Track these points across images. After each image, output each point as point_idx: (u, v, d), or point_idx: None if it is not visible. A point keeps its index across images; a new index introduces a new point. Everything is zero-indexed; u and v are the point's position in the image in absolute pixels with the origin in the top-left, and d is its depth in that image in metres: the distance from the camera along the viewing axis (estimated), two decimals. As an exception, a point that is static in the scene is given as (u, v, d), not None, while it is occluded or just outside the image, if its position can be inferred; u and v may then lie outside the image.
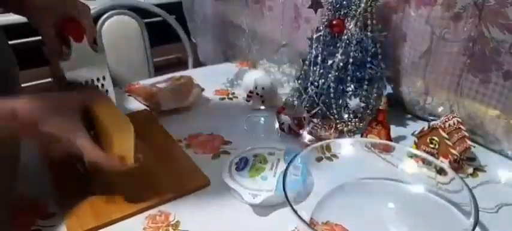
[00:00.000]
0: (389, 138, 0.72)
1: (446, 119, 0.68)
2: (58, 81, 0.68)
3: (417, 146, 0.70)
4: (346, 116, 0.81)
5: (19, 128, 0.53)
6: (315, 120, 0.79)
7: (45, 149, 0.60)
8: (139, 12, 1.57)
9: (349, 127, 0.80)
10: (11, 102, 0.52)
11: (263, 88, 0.89)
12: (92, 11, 1.08)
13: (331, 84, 0.79)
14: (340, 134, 0.79)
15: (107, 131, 0.57)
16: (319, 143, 0.63)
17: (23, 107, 0.52)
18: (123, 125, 0.59)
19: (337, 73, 0.79)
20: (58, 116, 0.54)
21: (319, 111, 0.80)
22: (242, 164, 0.65)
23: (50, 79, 0.74)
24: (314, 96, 0.80)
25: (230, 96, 1.00)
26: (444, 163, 0.60)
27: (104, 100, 0.63)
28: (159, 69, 1.59)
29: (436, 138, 0.67)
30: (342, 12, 0.78)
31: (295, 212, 0.48)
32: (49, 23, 0.61)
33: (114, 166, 0.57)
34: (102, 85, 0.67)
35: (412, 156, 0.62)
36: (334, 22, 0.78)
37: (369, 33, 0.77)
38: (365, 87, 0.79)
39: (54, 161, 0.68)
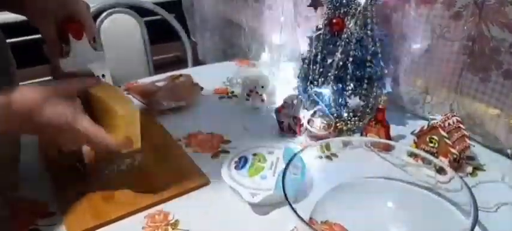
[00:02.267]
0: (388, 137, 0.72)
1: (446, 118, 0.68)
2: (58, 79, 0.68)
3: (417, 145, 0.70)
4: (345, 115, 0.81)
5: (16, 121, 0.51)
6: (314, 119, 0.79)
7: (46, 145, 0.59)
8: (139, 10, 1.56)
9: (349, 126, 0.80)
10: (5, 93, 0.50)
11: (262, 86, 0.89)
12: (91, 9, 1.08)
13: (331, 82, 0.79)
14: (340, 133, 0.79)
15: (112, 113, 0.56)
16: (319, 142, 0.63)
17: (17, 97, 0.51)
18: (128, 106, 0.58)
19: (336, 72, 0.79)
20: (55, 103, 0.53)
21: (319, 110, 0.80)
22: (241, 163, 0.65)
23: (49, 78, 0.73)
24: (314, 94, 0.80)
25: (229, 94, 1.00)
26: (444, 162, 0.60)
27: (105, 85, 0.62)
28: (159, 68, 1.59)
29: (435, 137, 0.67)
30: (342, 11, 0.78)
31: (295, 211, 0.48)
32: (49, 23, 0.61)
33: (121, 148, 0.57)
34: None
35: (412, 155, 0.62)
36: (334, 21, 0.78)
37: (368, 32, 0.77)
38: (365, 85, 0.79)
39: (54, 161, 0.68)
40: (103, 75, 0.66)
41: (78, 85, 0.58)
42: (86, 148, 0.66)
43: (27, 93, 0.52)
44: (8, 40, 0.70)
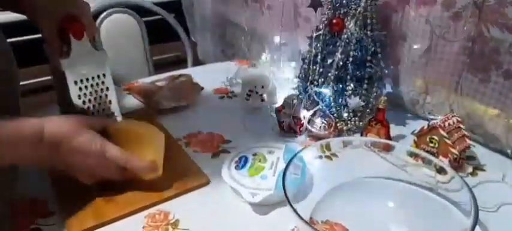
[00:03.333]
0: (389, 137, 0.72)
1: (446, 119, 0.68)
2: (58, 79, 0.68)
3: (417, 145, 0.70)
4: (345, 115, 0.81)
5: (46, 149, 0.53)
6: (314, 119, 0.79)
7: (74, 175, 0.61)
8: (139, 10, 1.56)
9: (349, 126, 0.80)
10: (36, 120, 0.53)
11: (262, 86, 0.89)
12: (91, 9, 1.08)
13: (331, 82, 0.79)
14: (340, 133, 0.79)
15: (138, 138, 0.60)
16: (319, 142, 0.63)
17: (50, 125, 0.53)
18: (154, 130, 0.62)
19: (336, 72, 0.79)
20: (85, 132, 0.56)
21: (319, 110, 0.80)
22: (242, 163, 0.65)
23: (49, 77, 0.73)
24: (314, 94, 0.80)
25: (229, 94, 1.00)
26: (444, 162, 0.60)
27: (123, 121, 0.66)
28: (158, 68, 1.59)
29: (435, 137, 0.67)
30: (342, 11, 0.78)
31: (295, 211, 0.48)
32: (49, 22, 0.61)
33: (149, 172, 0.60)
34: (102, 82, 0.67)
35: (412, 155, 0.62)
36: (334, 21, 0.78)
37: (368, 32, 0.77)
38: (365, 86, 0.79)
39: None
40: (104, 75, 0.66)
41: (101, 122, 0.62)
42: None
43: (61, 120, 0.56)
44: (8, 41, 0.70)
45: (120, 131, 0.62)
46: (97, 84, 0.66)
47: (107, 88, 0.67)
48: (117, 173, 0.59)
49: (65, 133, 0.54)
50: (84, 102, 0.64)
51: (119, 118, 0.69)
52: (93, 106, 0.66)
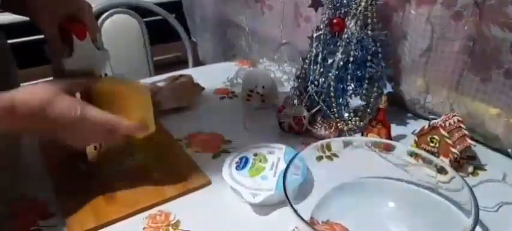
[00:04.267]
0: (389, 137, 0.72)
1: (447, 118, 0.68)
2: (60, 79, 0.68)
3: (417, 145, 0.69)
4: (346, 115, 0.81)
5: (22, 120, 0.51)
6: (315, 119, 0.79)
7: (51, 144, 0.59)
8: (139, 10, 1.56)
9: (350, 126, 0.80)
10: (8, 94, 0.50)
11: (263, 87, 0.89)
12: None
13: (332, 82, 0.79)
14: (341, 133, 0.79)
15: (123, 98, 0.55)
16: (320, 142, 0.63)
17: (21, 98, 0.50)
18: (139, 88, 0.57)
19: (337, 72, 0.78)
20: (64, 98, 0.52)
21: (320, 110, 0.80)
22: (242, 163, 0.65)
23: (50, 79, 0.74)
24: (314, 94, 0.80)
25: (230, 95, 1.00)
26: (444, 162, 0.60)
27: (106, 78, 0.62)
28: (159, 68, 1.59)
29: (436, 137, 0.67)
30: (342, 11, 0.78)
31: (295, 211, 0.48)
32: (51, 22, 0.61)
33: (137, 132, 0.56)
34: None
35: (413, 155, 0.62)
36: (335, 21, 0.78)
37: (369, 32, 0.77)
38: (365, 85, 0.79)
39: (55, 161, 0.68)
40: (106, 74, 0.66)
41: (81, 83, 0.58)
42: (89, 147, 0.66)
43: (33, 90, 0.52)
44: (8, 41, 0.70)
45: (103, 91, 0.59)
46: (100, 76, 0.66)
47: None
48: (106, 137, 0.58)
49: (38, 102, 0.51)
50: None
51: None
52: None
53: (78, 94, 0.59)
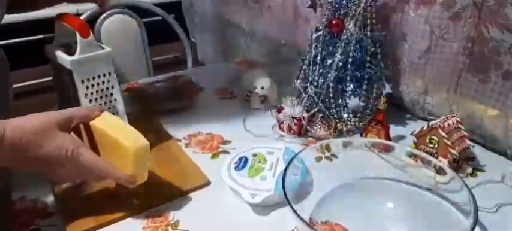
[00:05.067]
0: (388, 138, 0.72)
1: (446, 119, 0.68)
2: (60, 79, 0.68)
3: (416, 145, 0.70)
4: (345, 115, 0.81)
5: (7, 157, 0.47)
6: (314, 120, 0.79)
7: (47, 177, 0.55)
8: (139, 11, 1.56)
9: (349, 126, 0.80)
10: None
11: (262, 87, 0.89)
12: (91, 10, 1.08)
13: (331, 83, 0.79)
14: (340, 133, 0.79)
15: (121, 149, 0.53)
16: (319, 143, 0.63)
17: (11, 129, 0.46)
18: (138, 140, 0.54)
19: (336, 73, 0.79)
20: (54, 136, 0.49)
21: (319, 111, 0.80)
22: (241, 164, 0.65)
23: (47, 79, 0.74)
24: (313, 95, 0.80)
25: (229, 95, 1.00)
26: (443, 163, 0.61)
27: (107, 115, 0.57)
28: (158, 68, 1.59)
29: (435, 138, 0.67)
30: (342, 12, 0.78)
31: (295, 211, 0.48)
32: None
33: (129, 184, 0.55)
34: (108, 80, 0.67)
35: (412, 156, 0.62)
36: (334, 22, 0.78)
37: (368, 33, 0.77)
38: (364, 86, 0.79)
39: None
40: (109, 73, 0.66)
41: (77, 116, 0.54)
42: None
43: (23, 125, 0.48)
44: (8, 42, 0.70)
45: (100, 131, 0.56)
46: (103, 82, 0.66)
47: (113, 86, 0.67)
48: (94, 179, 0.57)
49: (29, 139, 0.47)
50: (90, 101, 0.65)
51: (124, 116, 0.70)
52: (100, 104, 0.66)
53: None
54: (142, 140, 0.54)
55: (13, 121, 0.48)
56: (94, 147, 0.57)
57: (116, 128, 0.55)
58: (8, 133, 0.46)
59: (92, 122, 0.56)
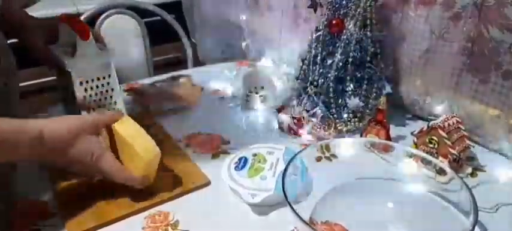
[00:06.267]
0: (388, 138, 0.72)
1: (446, 119, 0.68)
2: (63, 79, 0.68)
3: (416, 145, 0.70)
4: (345, 116, 0.81)
5: (46, 153, 0.53)
6: (314, 120, 0.79)
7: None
8: (139, 11, 1.56)
9: (349, 126, 0.80)
10: (36, 123, 0.52)
11: (262, 87, 0.89)
12: (91, 10, 1.08)
13: (331, 83, 0.79)
14: (340, 133, 0.79)
15: (134, 153, 0.57)
16: (319, 143, 0.63)
17: (50, 129, 0.53)
18: (150, 148, 0.58)
19: (336, 73, 0.79)
20: (84, 140, 0.55)
21: (319, 111, 0.80)
22: (241, 164, 0.65)
23: (51, 78, 0.74)
24: (313, 95, 0.80)
25: (229, 95, 1.00)
26: (443, 163, 0.61)
27: (127, 121, 0.62)
28: (159, 68, 1.59)
29: (435, 138, 0.67)
30: (342, 12, 0.78)
31: (295, 211, 0.48)
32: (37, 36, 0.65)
33: (138, 185, 0.59)
34: (108, 83, 0.67)
35: (412, 156, 0.62)
36: (334, 22, 0.78)
37: (368, 33, 0.77)
38: (364, 86, 0.79)
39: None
40: (109, 75, 0.66)
41: (103, 120, 0.60)
42: None
43: (61, 126, 0.54)
44: (9, 42, 0.70)
45: (119, 135, 0.60)
46: (103, 85, 0.66)
47: (112, 89, 0.67)
48: (109, 179, 0.60)
49: (63, 140, 0.54)
50: (89, 103, 0.64)
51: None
52: (99, 106, 0.66)
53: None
54: (155, 150, 0.58)
55: (50, 124, 0.53)
56: (113, 145, 0.60)
57: (133, 134, 0.59)
58: (46, 134, 0.52)
59: (113, 125, 0.59)
